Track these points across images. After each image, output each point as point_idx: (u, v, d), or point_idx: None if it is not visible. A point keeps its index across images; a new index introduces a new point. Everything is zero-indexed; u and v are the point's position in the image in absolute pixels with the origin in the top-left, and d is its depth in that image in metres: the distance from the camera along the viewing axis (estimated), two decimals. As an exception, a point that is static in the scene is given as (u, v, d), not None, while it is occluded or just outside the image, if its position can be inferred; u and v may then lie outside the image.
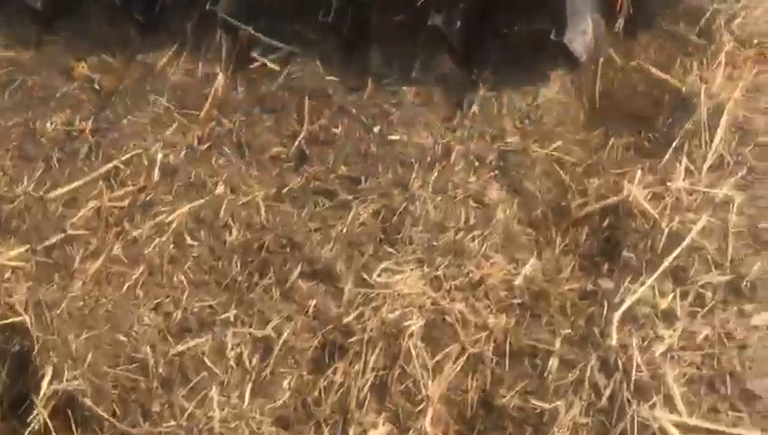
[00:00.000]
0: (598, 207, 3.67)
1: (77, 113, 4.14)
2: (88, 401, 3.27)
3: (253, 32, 4.28)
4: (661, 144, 3.80)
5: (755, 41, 3.98)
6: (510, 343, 3.36)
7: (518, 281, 3.50)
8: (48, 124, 4.08)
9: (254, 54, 4.23)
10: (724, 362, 3.15)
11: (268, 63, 4.18)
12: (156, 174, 3.87)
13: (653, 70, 4.05)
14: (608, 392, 3.11)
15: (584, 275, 3.54)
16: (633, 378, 3.11)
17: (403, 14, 4.20)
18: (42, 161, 4.01)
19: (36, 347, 3.42)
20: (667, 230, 3.47)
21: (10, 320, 3.53)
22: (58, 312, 3.48)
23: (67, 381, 3.33)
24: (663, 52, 4.12)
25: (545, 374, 3.25)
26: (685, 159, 3.66)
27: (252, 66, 4.18)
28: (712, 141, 3.69)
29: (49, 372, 3.35)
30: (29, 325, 3.46)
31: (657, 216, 3.53)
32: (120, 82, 4.24)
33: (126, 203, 3.82)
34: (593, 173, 3.77)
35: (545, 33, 3.92)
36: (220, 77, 4.22)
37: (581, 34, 3.94)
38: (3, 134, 4.08)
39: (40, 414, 3.31)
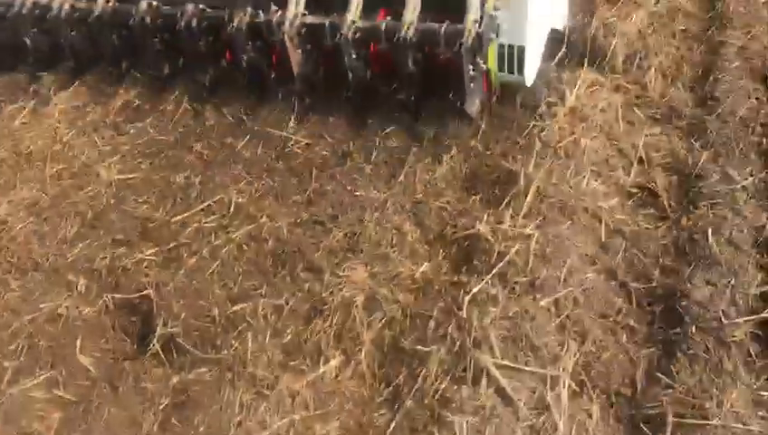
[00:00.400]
0: (462, 234, 3.45)
1: (192, 172, 3.85)
2: (180, 339, 3.05)
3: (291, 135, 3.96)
4: (499, 199, 3.56)
5: (552, 144, 3.73)
6: (410, 310, 3.14)
7: (417, 274, 3.30)
8: (178, 177, 3.80)
9: (288, 145, 3.93)
10: (521, 327, 2.94)
11: (295, 149, 3.90)
12: (232, 209, 3.60)
13: (497, 157, 3.82)
14: (459, 343, 2.90)
15: (454, 272, 3.32)
16: (473, 335, 2.90)
17: (386, 87, 3.95)
18: (171, 198, 3.74)
19: (155, 308, 3.19)
20: (497, 250, 3.25)
21: (140, 293, 3.28)
22: (168, 289, 3.27)
23: (170, 327, 3.10)
24: (504, 146, 3.88)
25: (427, 330, 3.03)
26: (510, 210, 3.44)
27: (287, 150, 3.89)
28: (525, 200, 3.45)
29: (161, 322, 3.13)
30: (152, 296, 3.22)
31: (493, 241, 3.31)
32: (217, 155, 3.94)
33: (215, 225, 3.56)
34: (463, 215, 3.56)
35: (456, 102, 3.77)
36: (274, 155, 3.92)
37: (474, 105, 3.79)
38: (151, 184, 3.81)
39: (155, 345, 3.08)
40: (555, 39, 4.22)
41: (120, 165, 4.04)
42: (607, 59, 4.25)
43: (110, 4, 4.33)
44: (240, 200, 3.70)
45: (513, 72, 3.89)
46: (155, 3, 4.19)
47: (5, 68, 4.90)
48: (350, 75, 3.90)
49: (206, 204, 3.70)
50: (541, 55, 4.09)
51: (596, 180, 3.66)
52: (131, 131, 4.29)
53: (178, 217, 3.63)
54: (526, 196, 3.51)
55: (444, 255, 3.43)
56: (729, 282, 3.08)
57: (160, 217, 3.66)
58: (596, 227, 3.46)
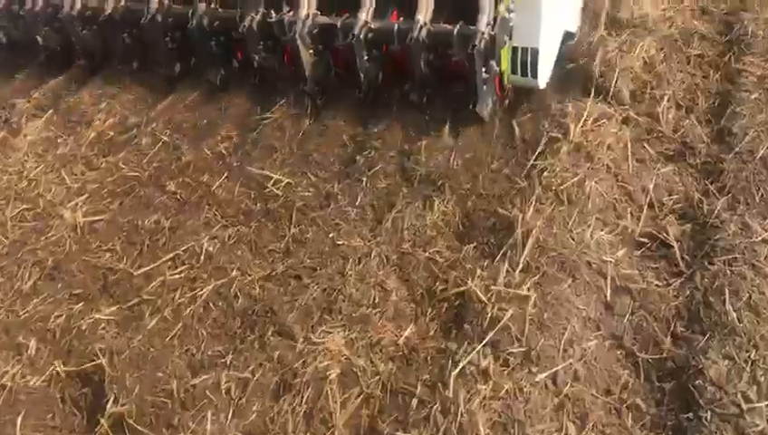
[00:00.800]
0: (453, 292, 3.08)
1: (164, 214, 3.49)
2: (131, 420, 2.68)
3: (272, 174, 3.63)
4: (494, 250, 3.19)
5: (553, 188, 3.35)
6: (391, 384, 2.77)
7: (401, 341, 2.93)
8: (146, 221, 3.45)
9: (268, 185, 3.58)
10: (514, 409, 2.57)
11: (275, 190, 3.54)
12: (202, 258, 3.24)
13: (494, 201, 3.46)
14: (443, 429, 2.54)
15: (442, 335, 2.96)
16: (458, 420, 2.53)
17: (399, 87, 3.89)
18: (137, 245, 3.38)
19: (107, 381, 2.82)
20: (490, 314, 2.88)
21: (93, 363, 2.92)
22: (124, 357, 2.90)
23: (121, 405, 2.73)
24: (501, 187, 3.52)
25: (408, 410, 2.66)
26: (506, 264, 3.06)
27: (266, 190, 3.53)
28: (523, 253, 3.08)
29: (111, 398, 2.76)
30: (105, 366, 2.86)
31: (486, 301, 2.93)
32: (191, 195, 3.58)
33: (182, 277, 3.20)
34: (455, 267, 3.20)
35: (467, 104, 3.71)
36: (252, 195, 3.57)
37: (486, 107, 3.72)
38: (118, 228, 3.45)
39: (103, 426, 2.72)
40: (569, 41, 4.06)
41: (87, 205, 3.71)
42: (611, 93, 3.87)
43: (122, 2, 4.30)
44: (211, 249, 3.35)
45: (526, 75, 3.80)
46: (166, 2, 4.16)
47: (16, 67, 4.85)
48: (362, 76, 3.84)
49: (174, 253, 3.34)
50: (555, 58, 3.94)
51: (601, 230, 3.29)
52: (103, 166, 3.96)
53: (143, 270, 3.27)
54: (524, 247, 3.15)
55: (432, 315, 3.07)
56: (749, 356, 2.71)
57: (124, 268, 3.32)
58: (600, 284, 3.08)
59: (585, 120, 3.74)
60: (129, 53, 4.45)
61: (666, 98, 3.94)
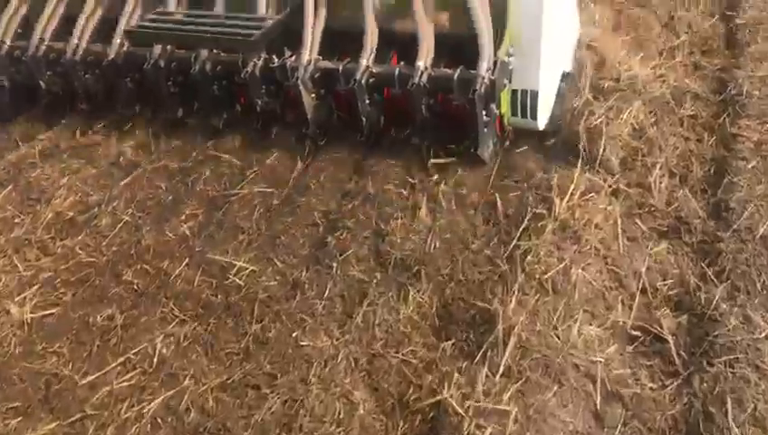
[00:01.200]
0: (427, 402, 2.71)
1: (118, 308, 3.15)
2: None
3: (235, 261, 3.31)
4: (473, 349, 2.86)
5: (537, 276, 3.01)
6: None
7: (368, 465, 2.56)
8: (99, 317, 3.11)
9: (230, 274, 3.23)
10: None
11: (237, 280, 3.20)
12: (154, 362, 2.89)
13: (474, 289, 3.11)
14: None
15: (415, 456, 2.60)
16: None
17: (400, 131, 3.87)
18: (87, 346, 3.04)
19: None
20: (467, 431, 2.56)
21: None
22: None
23: None
24: (483, 272, 3.18)
25: None
26: (486, 367, 2.71)
27: (227, 281, 3.19)
28: (504, 355, 2.73)
29: None
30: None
31: (463, 415, 2.58)
32: (149, 285, 3.24)
33: (133, 383, 2.85)
34: (430, 370, 2.85)
35: (469, 148, 3.65)
36: (213, 285, 3.24)
37: (487, 149, 3.67)
38: (68, 324, 3.10)
39: None
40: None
41: (37, 298, 3.36)
42: (598, 161, 3.54)
43: (125, 47, 4.21)
44: (164, 350, 3.01)
45: (526, 117, 3.73)
46: (169, 47, 4.09)
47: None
48: (364, 120, 3.78)
49: (124, 357, 2.99)
50: (554, 99, 3.87)
51: (590, 323, 2.95)
52: (59, 251, 3.62)
53: (89, 378, 2.92)
54: (505, 346, 2.80)
55: (403, 430, 2.72)
56: (757, 485, 2.33)
57: (69, 375, 2.96)
58: (589, 389, 2.74)
59: (571, 193, 3.42)
60: (131, 97, 4.39)
61: (658, 166, 3.62)
